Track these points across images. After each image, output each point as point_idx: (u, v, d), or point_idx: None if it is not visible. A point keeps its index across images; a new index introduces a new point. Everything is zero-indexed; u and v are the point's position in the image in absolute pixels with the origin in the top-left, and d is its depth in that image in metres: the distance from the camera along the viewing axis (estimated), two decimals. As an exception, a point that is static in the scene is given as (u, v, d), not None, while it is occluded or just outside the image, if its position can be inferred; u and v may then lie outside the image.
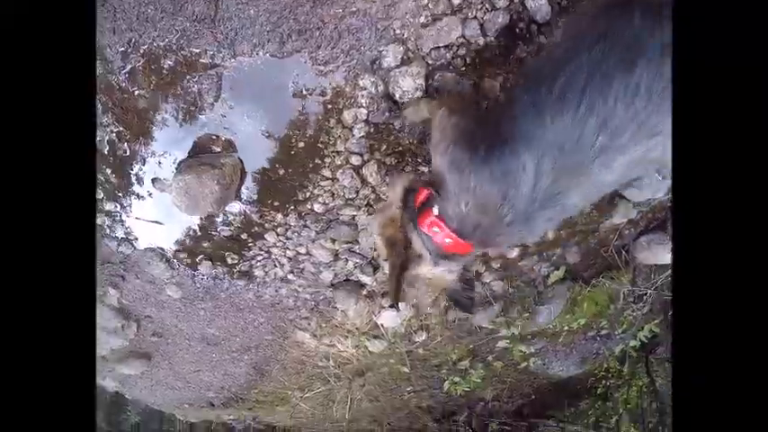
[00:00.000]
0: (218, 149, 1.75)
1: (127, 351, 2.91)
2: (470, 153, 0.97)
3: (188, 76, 1.66)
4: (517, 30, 1.63)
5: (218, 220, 1.97)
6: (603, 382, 3.58)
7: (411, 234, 1.06)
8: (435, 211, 1.02)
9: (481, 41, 1.63)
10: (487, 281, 2.30)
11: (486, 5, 1.57)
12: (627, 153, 0.89)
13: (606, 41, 0.86)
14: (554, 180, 0.91)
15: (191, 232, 2.06)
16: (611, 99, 0.84)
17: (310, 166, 1.76)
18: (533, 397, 3.65)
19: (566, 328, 2.89)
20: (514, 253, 2.21)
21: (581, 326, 2.92)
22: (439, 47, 1.59)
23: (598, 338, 3.21)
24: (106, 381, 3.48)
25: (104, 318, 2.68)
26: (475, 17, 1.58)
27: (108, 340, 2.85)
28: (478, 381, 2.92)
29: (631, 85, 0.83)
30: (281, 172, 1.79)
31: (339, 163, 1.74)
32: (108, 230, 2.16)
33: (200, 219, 1.99)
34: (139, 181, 1.93)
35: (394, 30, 1.56)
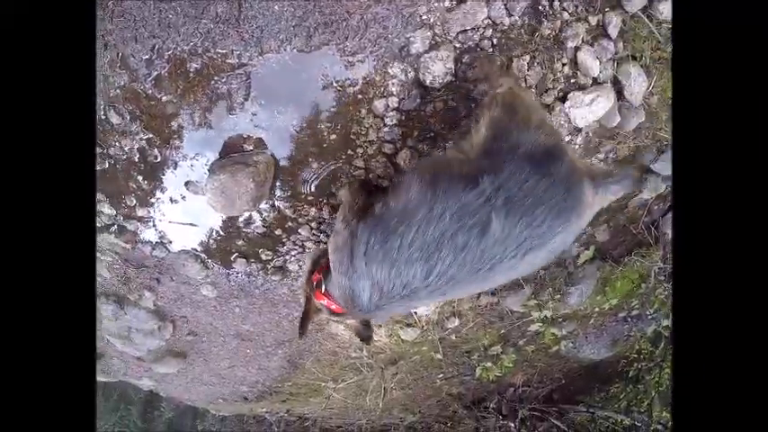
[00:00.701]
0: (250, 147, 1.76)
1: (164, 351, 2.98)
2: (337, 267, 1.31)
3: (216, 78, 1.67)
4: (540, 7, 1.63)
5: (241, 219, 2.00)
6: (635, 364, 3.54)
7: (313, 295, 1.47)
8: (322, 289, 1.41)
9: (507, 22, 1.62)
10: (518, 264, 2.29)
11: (510, -15, 1.56)
12: (424, 300, 1.22)
13: (418, 232, 1.11)
14: (380, 299, 1.22)
15: (214, 234, 2.09)
16: (411, 272, 1.14)
17: (343, 157, 1.76)
18: (563, 382, 3.63)
19: (596, 309, 2.87)
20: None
21: (612, 306, 2.90)
22: (466, 30, 1.59)
23: (629, 319, 3.18)
24: (142, 380, 3.57)
25: (140, 320, 2.74)
26: (499, -2, 1.57)
27: (144, 341, 2.91)
28: (510, 366, 2.92)
29: (427, 268, 1.12)
30: (315, 166, 1.80)
31: (372, 153, 1.75)
32: (141, 236, 2.19)
33: (223, 219, 2.02)
34: (171, 185, 1.95)
35: (420, 15, 1.55)
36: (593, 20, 1.70)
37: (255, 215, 1.98)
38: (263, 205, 1.92)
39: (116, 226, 2.17)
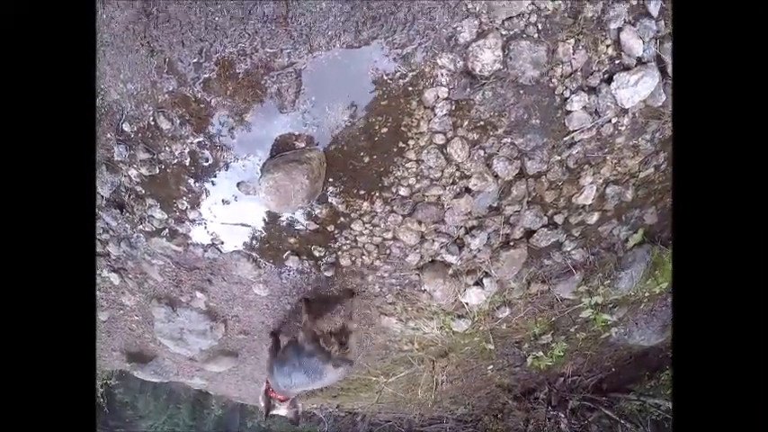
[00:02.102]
0: (302, 144, 1.81)
1: (216, 350, 3.07)
2: (269, 375, 2.49)
3: (266, 77, 1.70)
4: (582, -11, 1.61)
5: (292, 217, 2.02)
6: (686, 350, 3.43)
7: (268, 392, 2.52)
8: (270, 388, 2.47)
9: (550, 6, 1.61)
10: (567, 249, 2.26)
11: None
12: (299, 390, 2.43)
13: (285, 367, 2.33)
14: (284, 388, 2.38)
15: (265, 233, 2.11)
16: (285, 381, 2.35)
17: (394, 150, 1.78)
18: (613, 370, 3.56)
19: (646, 294, 2.81)
20: (594, 218, 2.17)
21: (662, 290, 2.82)
22: (512, 17, 1.59)
23: (679, 303, 3.09)
24: (194, 379, 3.69)
25: (192, 321, 2.83)
26: (543, -18, 1.56)
27: (197, 342, 3.00)
28: (560, 354, 2.89)
29: (289, 380, 2.32)
30: (366, 159, 1.82)
31: (423, 144, 1.76)
32: (193, 238, 2.25)
33: (274, 217, 2.05)
34: (222, 187, 2.00)
35: (466, 5, 1.56)
36: (634, -1, 1.67)
37: (299, 216, 2.01)
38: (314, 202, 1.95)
39: (167, 230, 2.23)
